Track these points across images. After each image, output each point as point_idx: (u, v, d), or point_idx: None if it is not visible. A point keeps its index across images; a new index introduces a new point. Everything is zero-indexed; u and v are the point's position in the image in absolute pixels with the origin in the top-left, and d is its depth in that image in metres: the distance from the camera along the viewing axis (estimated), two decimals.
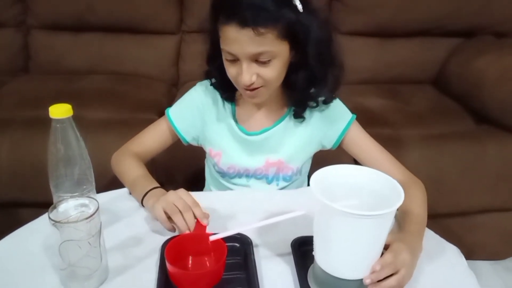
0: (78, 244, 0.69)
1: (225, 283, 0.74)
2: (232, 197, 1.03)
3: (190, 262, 0.79)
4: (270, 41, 0.87)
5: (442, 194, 1.52)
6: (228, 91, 1.04)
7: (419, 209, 0.92)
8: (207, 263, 0.78)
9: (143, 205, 0.94)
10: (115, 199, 0.98)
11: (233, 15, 0.86)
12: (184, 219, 0.81)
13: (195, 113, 1.07)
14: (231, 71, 0.94)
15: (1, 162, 1.43)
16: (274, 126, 1.06)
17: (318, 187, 0.68)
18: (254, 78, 0.91)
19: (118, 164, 1.06)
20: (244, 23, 0.85)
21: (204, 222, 0.81)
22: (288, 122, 1.06)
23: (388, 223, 0.68)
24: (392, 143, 1.51)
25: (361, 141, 1.08)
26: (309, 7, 0.91)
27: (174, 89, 2.00)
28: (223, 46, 0.91)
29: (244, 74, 0.90)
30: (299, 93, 1.00)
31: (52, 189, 0.80)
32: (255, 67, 0.90)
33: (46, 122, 0.76)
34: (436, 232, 0.91)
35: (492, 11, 1.95)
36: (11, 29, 2.02)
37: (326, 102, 1.04)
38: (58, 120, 0.75)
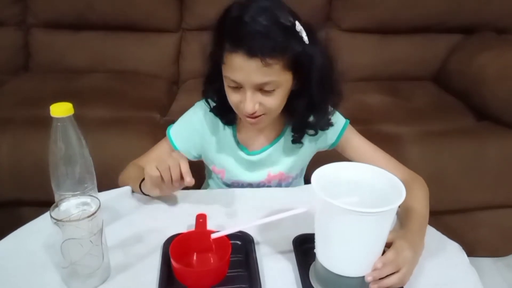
0: (80, 242, 0.69)
1: (227, 281, 0.74)
2: (234, 195, 1.04)
3: (194, 259, 0.79)
4: (276, 71, 0.88)
5: (443, 191, 1.52)
6: (227, 114, 1.04)
7: (421, 206, 0.92)
8: (211, 260, 0.78)
9: (142, 191, 0.96)
10: (117, 198, 0.98)
11: (241, 44, 0.85)
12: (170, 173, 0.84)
13: (195, 135, 1.08)
14: (233, 98, 0.94)
15: (2, 161, 1.43)
16: (274, 143, 1.08)
17: (319, 185, 0.68)
18: (257, 106, 0.92)
19: (122, 175, 1.08)
20: (252, 52, 0.85)
21: (187, 179, 0.84)
22: (287, 138, 1.08)
23: (390, 220, 0.68)
24: (392, 140, 1.51)
25: (356, 143, 1.10)
26: (313, 38, 0.92)
27: (175, 87, 2.00)
28: (227, 73, 0.90)
29: (247, 103, 0.90)
30: (299, 120, 1.02)
31: (54, 188, 0.80)
32: (259, 96, 0.91)
33: (47, 120, 0.76)
34: (437, 229, 0.91)
35: (493, 7, 1.94)
36: (11, 28, 2.01)
37: (323, 129, 1.05)
38: (59, 119, 0.75)
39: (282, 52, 0.87)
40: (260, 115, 0.94)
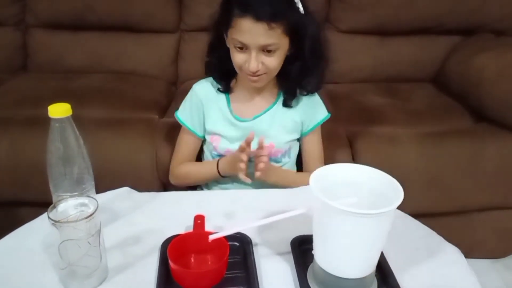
0: (78, 243, 0.69)
1: (225, 282, 0.74)
2: (232, 196, 1.04)
3: (192, 260, 0.79)
4: (278, 34, 1.02)
5: (441, 192, 1.52)
6: (226, 80, 1.19)
7: (297, 175, 1.24)
8: (209, 261, 0.78)
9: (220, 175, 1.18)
10: (115, 199, 0.98)
11: (250, 9, 0.99)
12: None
13: (196, 110, 1.21)
14: (238, 58, 1.07)
15: (0, 161, 1.43)
16: (265, 112, 1.20)
17: (317, 186, 0.68)
18: (260, 65, 1.05)
19: (187, 177, 1.26)
20: (259, 17, 0.99)
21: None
22: (277, 109, 1.20)
23: (388, 221, 0.68)
24: (391, 141, 1.51)
25: (315, 140, 1.26)
26: (308, 10, 1.08)
27: (173, 88, 2.00)
28: (235, 36, 1.04)
29: (252, 62, 1.04)
30: (292, 82, 1.16)
31: (52, 189, 0.80)
32: (262, 56, 1.05)
33: (45, 121, 0.76)
34: (435, 230, 0.91)
35: (491, 9, 1.94)
36: (10, 28, 2.01)
37: (313, 91, 1.20)
38: (57, 120, 0.75)
39: (283, 18, 1.01)
40: (261, 74, 1.08)
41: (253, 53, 1.04)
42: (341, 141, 1.51)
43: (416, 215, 0.95)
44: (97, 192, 0.87)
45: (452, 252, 0.85)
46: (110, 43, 2.01)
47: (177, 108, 1.26)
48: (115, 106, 1.64)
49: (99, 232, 0.71)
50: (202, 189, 1.28)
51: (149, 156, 1.44)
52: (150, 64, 2.00)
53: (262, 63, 1.06)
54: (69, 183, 0.79)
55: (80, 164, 0.79)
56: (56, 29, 2.00)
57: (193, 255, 0.79)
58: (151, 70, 1.99)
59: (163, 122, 1.59)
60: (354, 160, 1.47)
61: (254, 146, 1.15)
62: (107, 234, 0.78)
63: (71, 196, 0.75)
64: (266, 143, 1.15)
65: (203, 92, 1.21)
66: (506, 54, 1.66)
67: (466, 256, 0.85)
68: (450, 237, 0.89)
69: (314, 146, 1.26)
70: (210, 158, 1.24)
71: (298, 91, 1.18)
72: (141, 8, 1.94)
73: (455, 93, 1.80)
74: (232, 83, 1.20)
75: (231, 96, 1.21)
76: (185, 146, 1.26)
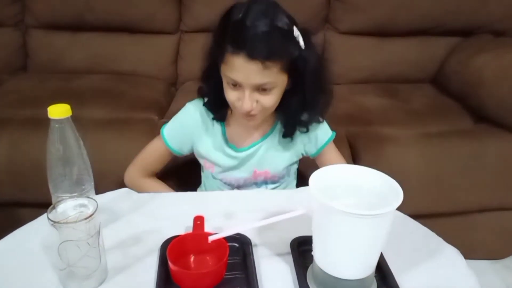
0: (77, 244, 0.69)
1: (225, 283, 0.74)
2: (231, 197, 1.04)
3: (191, 261, 0.79)
4: (274, 73, 0.94)
5: (441, 193, 1.52)
6: (219, 110, 1.10)
7: None
8: (209, 262, 0.78)
9: None
10: (114, 199, 0.98)
11: (243, 47, 0.91)
12: None
13: (186, 134, 1.14)
14: (231, 96, 0.99)
15: (0, 162, 1.43)
16: (262, 140, 1.13)
17: (317, 187, 0.68)
18: (254, 105, 0.98)
19: (140, 189, 1.13)
20: (253, 55, 0.90)
21: None
22: (274, 136, 1.13)
23: (387, 222, 0.68)
24: (390, 142, 1.51)
25: (329, 157, 1.18)
26: (309, 42, 0.98)
27: (173, 89, 2.00)
28: (227, 73, 0.95)
29: (246, 102, 0.96)
30: (291, 116, 1.07)
31: (51, 190, 0.80)
32: (256, 95, 0.97)
33: (44, 121, 0.76)
34: (435, 231, 0.91)
35: (490, 9, 1.95)
36: (10, 28, 2.01)
37: (312, 123, 1.11)
38: (57, 120, 0.75)
39: (280, 56, 0.93)
40: (256, 114, 1.00)
41: (247, 92, 0.95)
42: (340, 142, 1.51)
43: (415, 216, 0.95)
44: (97, 192, 0.87)
45: (451, 253, 0.85)
46: (110, 43, 2.01)
47: (171, 113, 1.20)
48: (115, 106, 1.64)
49: (98, 233, 0.71)
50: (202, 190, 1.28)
51: None
52: (150, 65, 2.01)
53: (257, 102, 0.98)
54: (69, 184, 0.79)
55: (80, 165, 0.79)
56: (56, 29, 2.00)
57: (192, 256, 0.79)
58: (151, 71, 2.00)
59: (163, 122, 1.59)
60: (353, 161, 1.47)
61: (247, 175, 1.15)
62: (107, 235, 0.78)
63: (71, 197, 0.75)
64: (262, 170, 1.14)
65: (197, 116, 1.12)
66: (506, 54, 1.66)
67: (466, 257, 0.84)
68: (449, 238, 0.89)
69: (330, 161, 1.17)
70: (209, 176, 1.19)
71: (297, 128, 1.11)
72: (141, 9, 1.95)
73: (455, 93, 1.80)
74: (228, 112, 1.11)
75: (227, 123, 1.13)
76: (155, 156, 1.19)
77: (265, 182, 1.17)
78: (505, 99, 1.53)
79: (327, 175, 0.74)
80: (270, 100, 0.98)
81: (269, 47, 0.91)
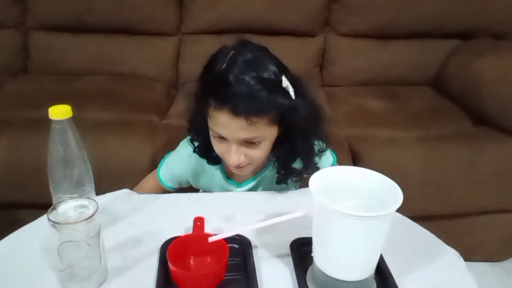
0: (77, 245, 0.69)
1: (225, 284, 0.74)
2: (231, 198, 1.04)
3: (191, 262, 0.79)
4: (262, 127, 0.89)
5: (441, 196, 1.52)
6: (211, 155, 1.04)
7: None
8: (209, 263, 0.78)
9: None
10: (115, 200, 0.98)
11: (226, 102, 0.85)
12: None
13: (183, 177, 1.13)
14: (218, 148, 0.95)
15: (1, 163, 1.43)
16: (262, 172, 1.09)
17: (317, 188, 0.68)
18: (242, 158, 0.93)
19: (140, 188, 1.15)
20: (237, 112, 0.85)
21: None
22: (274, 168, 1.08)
23: (387, 224, 0.68)
24: (390, 144, 1.52)
25: None
26: (300, 90, 0.92)
27: (173, 90, 2.00)
28: (213, 127, 0.91)
29: (232, 156, 0.91)
30: (284, 164, 1.02)
31: (52, 190, 0.80)
32: (243, 149, 0.92)
33: (45, 123, 0.76)
34: (434, 233, 0.91)
35: (491, 13, 1.95)
36: (10, 30, 2.01)
37: (309, 173, 1.02)
38: (57, 121, 0.75)
39: (266, 111, 0.87)
40: (245, 166, 0.96)
41: (233, 147, 0.91)
42: (340, 144, 1.51)
43: (415, 218, 0.95)
44: (97, 193, 0.87)
45: (451, 255, 0.85)
46: (110, 45, 2.01)
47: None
48: (115, 108, 1.64)
49: (98, 233, 0.71)
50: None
51: (149, 158, 1.44)
52: (151, 67, 2.01)
53: (245, 155, 0.93)
54: (69, 185, 0.79)
55: (80, 166, 0.80)
56: (57, 31, 2.00)
57: (192, 257, 0.79)
58: (152, 73, 2.00)
59: (163, 124, 1.59)
60: (353, 163, 1.47)
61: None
62: (107, 235, 0.78)
63: (71, 198, 0.75)
64: None
65: (191, 160, 1.08)
66: (506, 58, 1.66)
67: (465, 259, 0.84)
68: (449, 240, 0.89)
69: None
70: None
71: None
72: (142, 11, 1.95)
73: (455, 96, 1.81)
74: None
75: (224, 164, 1.08)
76: (153, 186, 1.17)
77: None
78: (505, 102, 1.53)
79: (327, 176, 0.74)
80: (259, 153, 0.94)
81: (254, 103, 0.85)
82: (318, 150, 1.04)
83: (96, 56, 2.01)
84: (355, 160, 1.48)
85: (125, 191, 1.01)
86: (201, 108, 0.92)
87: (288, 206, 0.81)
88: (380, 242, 0.70)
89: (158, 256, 0.80)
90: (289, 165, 1.01)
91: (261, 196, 1.05)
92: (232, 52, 0.89)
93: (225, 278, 0.75)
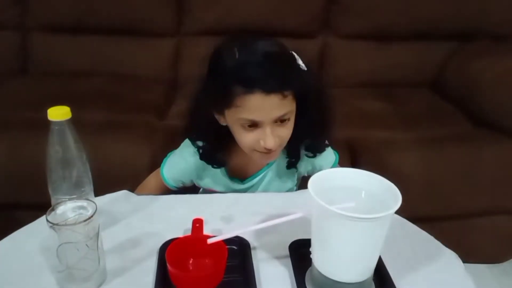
0: (76, 246, 0.69)
1: (223, 286, 0.74)
2: (230, 199, 1.04)
3: (190, 264, 0.79)
4: (289, 101, 0.91)
5: (439, 197, 1.52)
6: (216, 159, 1.05)
7: None
8: (207, 265, 0.78)
9: None
10: (113, 202, 0.98)
11: (256, 83, 0.86)
12: None
13: (186, 177, 1.13)
14: (248, 138, 0.94)
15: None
16: (265, 169, 1.10)
17: (316, 190, 0.68)
18: (277, 140, 0.93)
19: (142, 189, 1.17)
20: (269, 89, 0.86)
21: None
22: (278, 164, 1.10)
23: (386, 226, 0.68)
24: (389, 146, 1.52)
25: None
26: (309, 69, 0.97)
27: (173, 91, 2.00)
28: (243, 115, 0.90)
29: (269, 139, 0.91)
30: (297, 144, 1.03)
31: (50, 192, 0.80)
32: (276, 129, 0.93)
33: (44, 123, 0.77)
34: (433, 235, 0.91)
35: (489, 14, 1.96)
36: (10, 30, 2.01)
37: (320, 152, 1.08)
38: (56, 123, 0.75)
39: (292, 83, 0.90)
40: (276, 149, 0.95)
41: (268, 129, 0.91)
42: (339, 145, 1.51)
43: (413, 220, 0.95)
44: (96, 195, 0.87)
45: (450, 257, 0.85)
46: (109, 46, 2.01)
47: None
48: (115, 109, 1.64)
49: (97, 235, 0.71)
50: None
51: (148, 159, 1.44)
52: (150, 67, 2.01)
53: (277, 137, 0.93)
54: (68, 186, 0.79)
55: (79, 167, 0.80)
56: (56, 31, 2.00)
57: (191, 258, 0.79)
58: (151, 73, 2.00)
59: (163, 125, 1.60)
60: (352, 164, 1.47)
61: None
62: (106, 237, 0.78)
63: (70, 199, 0.75)
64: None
65: (194, 160, 1.08)
66: (504, 59, 1.67)
67: (464, 261, 0.85)
68: (448, 242, 0.89)
69: None
70: None
71: (302, 152, 1.07)
72: (141, 12, 1.95)
73: (453, 98, 1.81)
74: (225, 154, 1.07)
75: (226, 161, 1.09)
76: (155, 186, 1.17)
77: None
78: (504, 103, 1.54)
79: (326, 178, 0.74)
80: (288, 131, 0.95)
81: (282, 75, 0.88)
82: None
83: (95, 56, 2.01)
84: (354, 161, 1.48)
85: (124, 192, 1.01)
86: (222, 102, 0.92)
87: (287, 208, 0.81)
88: (379, 243, 0.70)
89: (157, 257, 0.80)
90: (301, 143, 1.04)
91: (260, 198, 1.05)
92: (236, 43, 0.91)
93: (224, 279, 0.74)
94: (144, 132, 1.52)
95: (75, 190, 0.80)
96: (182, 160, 1.11)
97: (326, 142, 1.09)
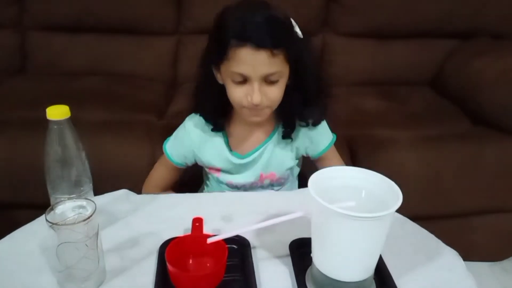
0: (76, 246, 0.68)
1: (223, 285, 0.74)
2: (230, 198, 1.03)
3: (190, 263, 0.79)
4: (280, 62, 0.95)
5: (440, 196, 1.52)
6: (217, 120, 1.10)
7: None
8: (207, 264, 0.78)
9: None
10: (113, 201, 0.98)
11: (248, 37, 0.91)
12: None
13: (187, 149, 1.15)
14: (237, 93, 0.98)
15: None
16: (265, 143, 1.13)
17: (316, 189, 0.68)
18: (264, 98, 0.97)
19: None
20: (260, 44, 0.91)
21: None
22: (277, 139, 1.13)
23: (387, 225, 0.68)
24: (389, 144, 1.51)
25: (331, 161, 1.20)
26: (305, 36, 1.02)
27: (172, 90, 1.99)
28: (233, 68, 0.95)
29: (255, 94, 0.95)
30: (292, 113, 1.08)
31: (49, 191, 0.80)
32: (264, 88, 0.97)
33: (43, 123, 0.76)
34: (433, 233, 0.91)
35: (489, 12, 1.95)
36: (8, 30, 2.00)
37: (315, 124, 1.12)
38: (55, 122, 0.75)
39: (284, 43, 0.94)
40: (263, 108, 1.00)
41: (256, 85, 0.95)
42: (339, 144, 1.51)
43: (414, 218, 0.95)
44: (95, 194, 0.87)
45: (450, 255, 0.85)
46: (108, 45, 2.01)
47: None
48: (114, 108, 1.64)
49: (97, 234, 0.71)
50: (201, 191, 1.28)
51: (147, 158, 1.43)
52: (149, 66, 2.01)
53: (265, 95, 0.97)
54: (67, 185, 0.79)
55: (78, 167, 0.79)
56: (55, 31, 2.00)
57: (191, 258, 0.79)
58: (150, 72, 1.99)
59: (162, 124, 1.59)
60: (352, 163, 1.47)
61: (253, 179, 1.15)
62: (105, 236, 0.77)
63: (69, 199, 0.75)
64: (267, 173, 1.15)
65: (197, 131, 1.13)
66: (504, 57, 1.66)
67: (464, 259, 0.85)
68: (448, 240, 0.89)
69: (330, 165, 1.13)
70: (213, 182, 1.19)
71: (297, 122, 1.10)
72: (140, 10, 1.95)
73: (453, 96, 1.81)
74: (227, 119, 1.12)
75: (228, 131, 1.13)
76: (164, 172, 1.22)
77: (271, 184, 1.17)
78: (504, 102, 1.53)
79: (326, 177, 0.74)
80: (277, 92, 0.99)
81: (274, 34, 0.92)
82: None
83: (94, 56, 2.00)
84: (354, 160, 1.48)
85: (123, 191, 1.01)
86: (217, 54, 0.96)
87: (287, 207, 0.81)
88: (380, 242, 0.70)
89: (157, 257, 0.80)
90: (299, 111, 1.07)
91: (260, 197, 1.05)
92: (241, 3, 0.97)
93: (224, 279, 0.74)
94: (143, 131, 1.51)
95: (75, 190, 0.79)
96: (184, 132, 1.14)
97: (324, 121, 1.14)
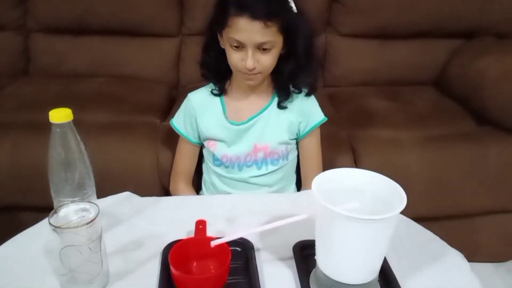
0: (79, 249, 0.68)
1: None
2: (234, 200, 1.03)
3: (194, 266, 0.79)
4: (273, 32, 1.06)
5: (444, 196, 1.51)
6: (220, 81, 1.21)
7: None
8: (211, 267, 0.78)
9: None
10: (116, 204, 0.98)
11: (246, 8, 1.02)
12: None
13: (190, 117, 1.24)
14: (235, 57, 1.09)
15: (1, 166, 1.43)
16: (260, 113, 1.21)
17: (320, 191, 0.68)
18: (256, 63, 1.08)
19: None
20: (255, 16, 1.02)
21: None
22: (272, 109, 1.21)
23: (391, 227, 0.67)
24: (393, 145, 1.51)
25: (312, 143, 1.27)
26: (300, 10, 1.12)
27: (175, 92, 1.99)
28: (231, 35, 1.06)
29: (249, 60, 1.07)
30: (286, 81, 1.18)
31: (53, 194, 0.80)
32: (258, 54, 1.07)
33: (46, 125, 0.76)
34: (438, 234, 0.90)
35: (493, 12, 1.94)
36: (11, 32, 2.01)
37: (308, 94, 1.22)
38: (58, 125, 0.75)
39: (278, 16, 1.05)
40: (256, 73, 1.10)
41: (250, 51, 1.06)
42: (342, 145, 1.51)
43: (418, 219, 0.94)
44: (98, 197, 0.87)
45: (455, 257, 0.85)
46: (111, 47, 2.01)
47: (172, 116, 1.29)
48: (116, 110, 1.64)
49: (100, 237, 0.71)
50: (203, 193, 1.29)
51: (150, 161, 1.44)
52: (152, 68, 2.01)
53: (258, 61, 1.08)
54: (70, 188, 0.79)
55: (81, 169, 0.79)
56: (58, 33, 2.00)
57: (195, 260, 0.79)
58: (153, 74, 1.99)
59: (165, 126, 1.59)
60: (356, 164, 1.47)
61: (247, 149, 1.20)
62: (108, 239, 0.77)
63: (72, 202, 0.75)
64: (261, 144, 1.20)
65: (197, 99, 1.23)
66: (508, 57, 1.66)
67: (469, 260, 0.84)
68: (453, 241, 0.88)
69: (312, 151, 1.26)
70: (210, 162, 1.25)
71: (292, 91, 1.20)
72: (142, 12, 1.95)
73: (457, 96, 1.80)
74: (227, 85, 1.22)
75: (226, 99, 1.22)
76: (183, 154, 1.29)
77: (265, 161, 1.21)
78: (508, 101, 1.53)
79: (330, 179, 0.74)
80: (269, 59, 1.09)
81: (269, 7, 1.03)
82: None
83: (97, 58, 2.01)
84: (357, 160, 1.47)
85: (126, 194, 1.01)
86: (220, 20, 1.08)
87: (291, 209, 0.81)
88: (384, 244, 0.69)
89: (160, 259, 0.80)
90: (292, 79, 1.17)
91: (264, 199, 1.05)
92: None
93: (227, 281, 0.74)
94: (146, 133, 1.51)
95: (78, 192, 0.79)
96: (187, 101, 1.25)
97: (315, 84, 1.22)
